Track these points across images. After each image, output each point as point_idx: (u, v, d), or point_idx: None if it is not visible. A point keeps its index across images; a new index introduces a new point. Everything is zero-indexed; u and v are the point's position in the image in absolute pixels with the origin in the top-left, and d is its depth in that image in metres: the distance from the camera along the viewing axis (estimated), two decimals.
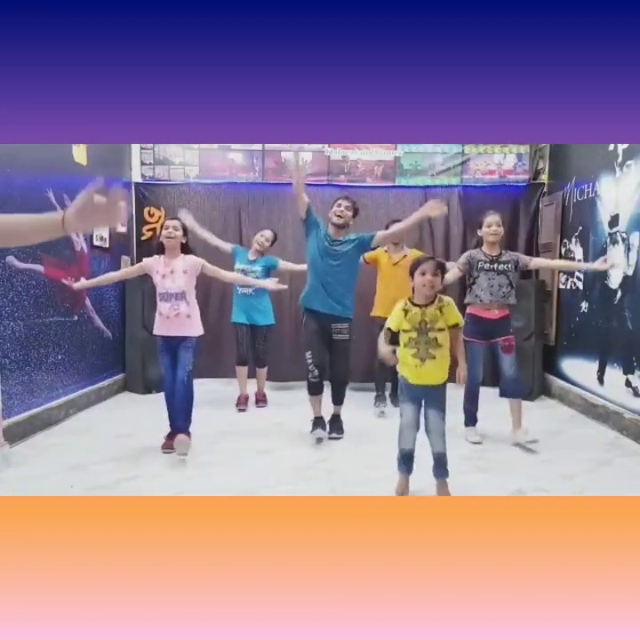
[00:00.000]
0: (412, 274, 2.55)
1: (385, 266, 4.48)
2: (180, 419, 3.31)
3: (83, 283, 3.55)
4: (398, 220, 4.53)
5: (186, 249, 3.35)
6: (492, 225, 3.55)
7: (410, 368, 2.54)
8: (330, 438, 3.61)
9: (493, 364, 5.18)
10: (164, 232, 3.29)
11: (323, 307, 3.53)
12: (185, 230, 3.35)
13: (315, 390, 3.61)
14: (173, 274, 3.24)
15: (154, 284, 3.31)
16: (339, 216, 3.55)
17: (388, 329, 2.58)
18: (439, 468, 2.60)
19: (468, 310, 3.64)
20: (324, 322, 3.56)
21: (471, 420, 3.70)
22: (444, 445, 2.57)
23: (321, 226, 3.61)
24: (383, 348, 2.58)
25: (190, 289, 3.30)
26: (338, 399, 3.71)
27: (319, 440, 3.52)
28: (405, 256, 4.44)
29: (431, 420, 2.57)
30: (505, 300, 3.56)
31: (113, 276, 3.61)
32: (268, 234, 4.52)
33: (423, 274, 2.48)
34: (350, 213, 3.58)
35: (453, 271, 3.64)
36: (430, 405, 2.57)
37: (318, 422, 3.64)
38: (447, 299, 2.56)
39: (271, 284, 3.66)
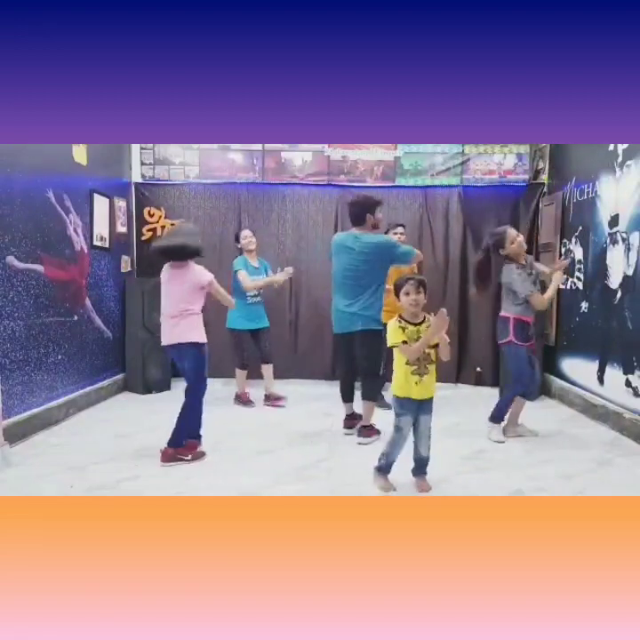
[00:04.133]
0: (396, 294, 2.65)
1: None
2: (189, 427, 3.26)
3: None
4: (401, 225, 4.52)
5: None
6: (519, 236, 3.56)
7: (410, 385, 2.61)
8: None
9: (496, 364, 5.19)
10: None
11: (343, 328, 3.59)
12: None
13: (344, 398, 3.83)
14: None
15: (155, 284, 3.28)
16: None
17: (403, 342, 2.57)
18: (421, 469, 2.78)
19: (515, 316, 3.54)
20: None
21: (500, 418, 3.70)
22: (429, 450, 2.73)
23: (343, 237, 3.64)
24: (411, 349, 2.56)
25: (193, 300, 3.13)
26: (362, 392, 3.66)
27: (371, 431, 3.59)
28: None
29: (423, 426, 2.68)
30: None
31: None
32: (249, 232, 4.63)
33: (407, 294, 2.59)
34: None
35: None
36: (423, 412, 2.67)
37: (350, 417, 3.80)
38: (431, 317, 2.62)
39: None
